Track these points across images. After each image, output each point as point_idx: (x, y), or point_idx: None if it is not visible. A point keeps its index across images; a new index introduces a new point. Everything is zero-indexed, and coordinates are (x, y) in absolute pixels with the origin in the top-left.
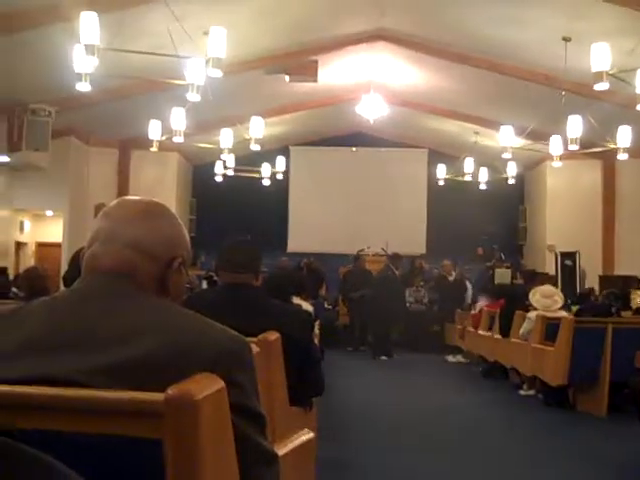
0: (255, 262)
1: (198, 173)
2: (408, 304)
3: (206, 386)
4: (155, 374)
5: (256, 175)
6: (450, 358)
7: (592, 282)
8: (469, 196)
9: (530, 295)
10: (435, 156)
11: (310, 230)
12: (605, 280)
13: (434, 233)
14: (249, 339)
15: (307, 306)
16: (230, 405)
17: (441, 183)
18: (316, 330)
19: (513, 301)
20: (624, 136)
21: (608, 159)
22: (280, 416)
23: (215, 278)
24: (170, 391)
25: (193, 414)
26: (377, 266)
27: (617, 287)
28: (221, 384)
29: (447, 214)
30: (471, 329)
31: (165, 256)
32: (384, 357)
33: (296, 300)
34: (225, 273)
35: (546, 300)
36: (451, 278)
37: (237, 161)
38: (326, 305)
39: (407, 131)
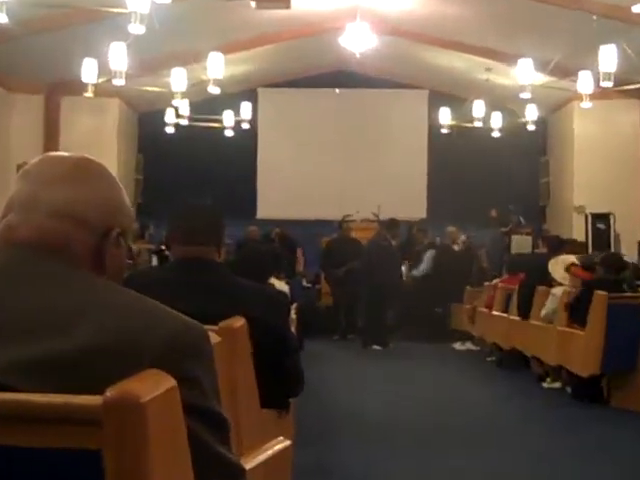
0: (216, 232)
1: (145, 123)
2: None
3: (153, 385)
4: (90, 372)
5: (216, 125)
6: (458, 346)
7: (630, 249)
8: (479, 147)
9: (550, 266)
10: (437, 98)
11: (284, 192)
12: None
13: (437, 193)
14: (208, 327)
15: (281, 285)
16: (184, 407)
17: (445, 131)
18: (293, 315)
19: (534, 275)
20: None
21: None
22: (249, 421)
23: (167, 253)
24: (109, 393)
25: (138, 420)
26: (367, 235)
27: None
28: (172, 382)
29: (453, 169)
30: (483, 310)
31: (100, 225)
32: (377, 347)
33: (271, 280)
34: (178, 246)
35: None
36: (457, 248)
37: (193, 108)
38: (304, 283)
39: (402, 68)
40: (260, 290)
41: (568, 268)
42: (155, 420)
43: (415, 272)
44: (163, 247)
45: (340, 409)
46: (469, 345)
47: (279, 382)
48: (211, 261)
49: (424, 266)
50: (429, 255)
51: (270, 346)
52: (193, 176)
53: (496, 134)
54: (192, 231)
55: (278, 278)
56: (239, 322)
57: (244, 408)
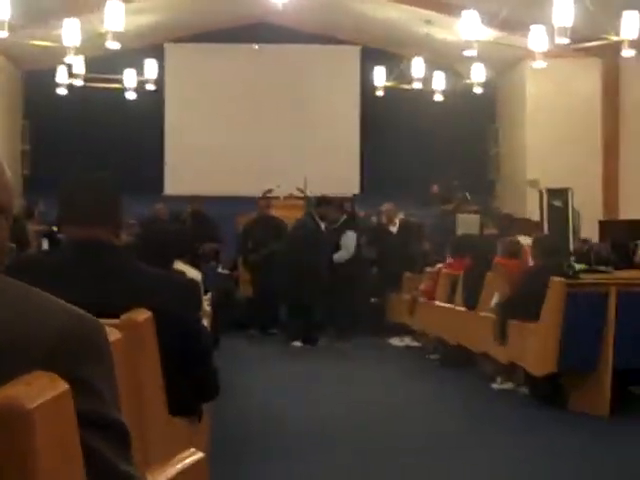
0: (114, 210)
1: (32, 83)
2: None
3: (41, 389)
4: None
5: (116, 86)
6: (395, 341)
7: (590, 231)
8: (419, 112)
9: (499, 250)
10: (371, 56)
11: (195, 164)
12: (607, 227)
13: (371, 166)
14: (107, 321)
15: (192, 273)
16: (78, 415)
17: (380, 93)
18: (206, 307)
19: (482, 259)
20: (630, 25)
21: (610, 57)
22: (155, 430)
23: (59, 235)
24: None
25: (23, 429)
26: (292, 214)
27: (621, 236)
28: (63, 386)
29: (389, 138)
30: (424, 300)
31: None
32: (303, 343)
33: (177, 265)
34: (70, 227)
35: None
36: (394, 228)
37: (88, 66)
38: (220, 270)
39: (331, 21)
40: (167, 278)
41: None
42: (43, 430)
43: (336, 257)
44: (55, 228)
45: (261, 415)
46: (408, 341)
47: (190, 385)
48: (108, 244)
49: (344, 252)
50: (350, 236)
51: (179, 344)
52: (89, 145)
53: (438, 97)
54: (85, 209)
55: (189, 264)
56: (143, 315)
57: (150, 415)
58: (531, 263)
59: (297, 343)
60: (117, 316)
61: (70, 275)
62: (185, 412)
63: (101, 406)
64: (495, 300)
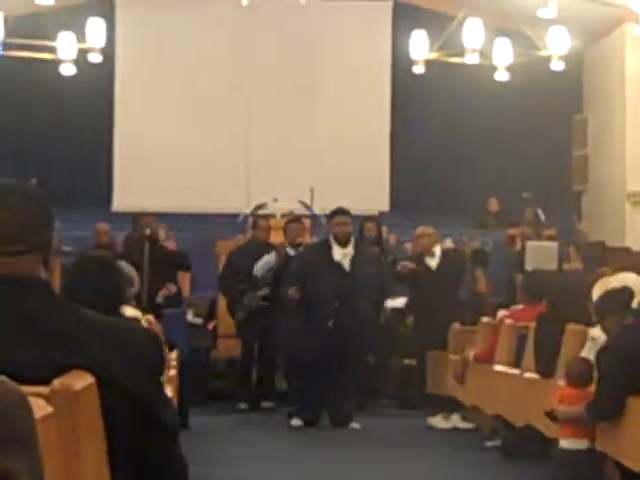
0: (38, 231)
1: None
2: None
3: None
4: None
5: (48, 55)
6: (438, 422)
7: None
8: (475, 96)
9: (595, 293)
10: (407, 15)
11: (157, 169)
12: None
13: (405, 173)
14: (30, 389)
15: (148, 321)
16: None
17: (418, 69)
18: (170, 370)
19: (563, 306)
20: None
21: None
22: None
23: None
24: None
25: None
26: (295, 238)
27: None
28: None
29: (430, 132)
30: (479, 363)
31: None
32: (302, 423)
33: (127, 311)
34: None
35: None
36: (433, 262)
37: (10, 29)
38: (191, 318)
39: None
40: (114, 327)
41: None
42: None
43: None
44: None
45: None
46: (456, 421)
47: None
48: (32, 279)
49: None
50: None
51: (131, 423)
52: (7, 140)
53: (501, 76)
54: (1, 232)
55: (141, 310)
56: (82, 380)
57: None
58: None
59: (297, 422)
60: (45, 382)
61: None
62: None
63: None
64: None
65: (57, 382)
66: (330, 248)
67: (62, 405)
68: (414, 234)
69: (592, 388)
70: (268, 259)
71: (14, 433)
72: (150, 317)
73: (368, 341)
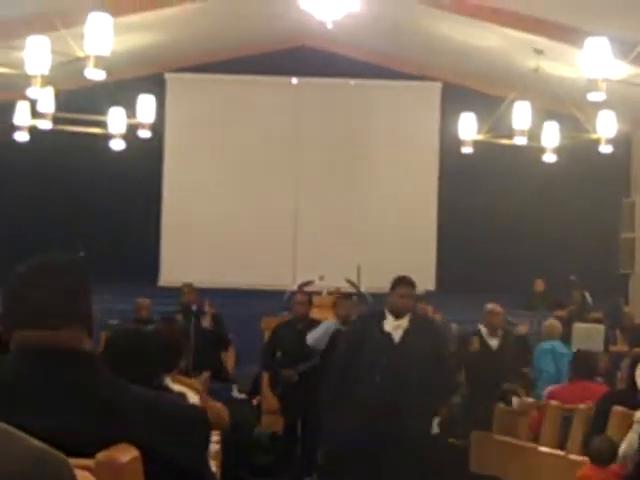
0: (81, 302)
1: None
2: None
3: None
4: None
5: (97, 130)
6: None
7: None
8: (522, 177)
9: (638, 374)
10: (456, 97)
11: (204, 244)
12: None
13: (451, 252)
14: (76, 461)
15: (194, 398)
16: None
17: (467, 150)
18: (213, 446)
19: (609, 389)
20: None
21: None
22: None
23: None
24: None
25: None
26: (346, 314)
27: None
28: None
29: (478, 213)
30: (524, 443)
31: None
32: None
33: (173, 385)
34: (21, 330)
35: None
36: (494, 342)
37: (60, 103)
38: (235, 394)
39: (400, 46)
40: (160, 402)
41: None
42: None
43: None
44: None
45: None
46: None
47: None
48: (77, 352)
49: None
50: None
51: None
52: (54, 213)
53: (549, 158)
54: (41, 305)
55: (188, 385)
56: (128, 453)
57: None
58: None
59: None
60: (90, 454)
61: (23, 396)
62: None
63: None
64: (623, 448)
65: (102, 455)
66: (382, 319)
67: (107, 478)
68: (485, 311)
69: (614, 467)
70: (326, 328)
71: None
72: (198, 388)
73: (422, 426)
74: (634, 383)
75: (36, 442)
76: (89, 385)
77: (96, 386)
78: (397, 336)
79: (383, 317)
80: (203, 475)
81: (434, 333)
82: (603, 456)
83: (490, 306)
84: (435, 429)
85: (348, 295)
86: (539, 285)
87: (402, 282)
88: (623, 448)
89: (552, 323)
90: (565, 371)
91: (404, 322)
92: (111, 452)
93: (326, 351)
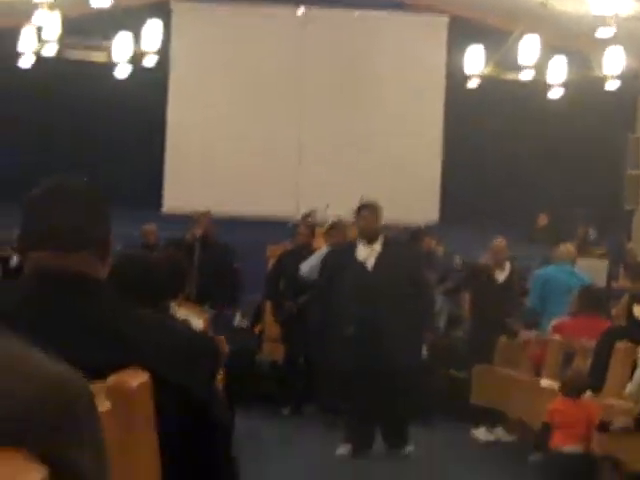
0: (98, 226)
1: None
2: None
3: (10, 475)
4: None
5: (100, 58)
6: (481, 434)
7: None
8: (528, 112)
9: (637, 310)
10: (463, 30)
11: (208, 172)
12: None
13: (456, 184)
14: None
15: (197, 323)
16: None
17: (473, 84)
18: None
19: (611, 325)
20: None
21: None
22: None
23: (14, 261)
24: None
25: None
26: (335, 244)
27: None
28: (41, 473)
29: (482, 147)
30: (524, 377)
31: None
32: (349, 449)
33: (178, 311)
34: (36, 253)
35: None
36: (501, 275)
37: (65, 30)
38: (237, 321)
39: None
40: (172, 329)
41: None
42: None
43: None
44: (9, 252)
45: None
46: (500, 433)
47: None
48: (91, 278)
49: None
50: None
51: (185, 424)
52: (60, 140)
53: (556, 93)
54: (59, 227)
55: (192, 310)
56: (139, 378)
57: None
58: None
59: (343, 450)
60: (101, 378)
61: (36, 320)
62: None
63: None
64: (630, 386)
65: (113, 379)
66: (355, 248)
67: (118, 402)
68: (490, 246)
69: (585, 399)
70: (317, 257)
71: (80, 426)
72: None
73: (406, 353)
74: (636, 319)
75: (55, 364)
76: (101, 311)
77: (106, 313)
78: (370, 264)
79: (356, 246)
80: (211, 403)
81: (407, 257)
82: (574, 388)
83: (497, 241)
84: (424, 355)
85: (338, 224)
86: (542, 219)
87: (362, 206)
88: (630, 387)
89: (567, 246)
90: (562, 299)
91: (377, 247)
92: (121, 376)
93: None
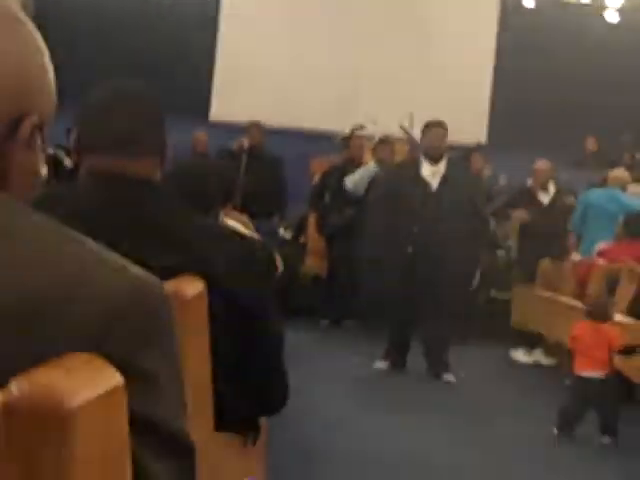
0: (157, 132)
1: None
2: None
3: (85, 381)
4: None
5: None
6: (520, 355)
7: None
8: (582, 35)
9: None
10: None
11: (256, 83)
12: None
13: (506, 107)
14: None
15: (245, 232)
16: (133, 421)
17: (528, 5)
18: None
19: None
20: None
21: None
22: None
23: (66, 163)
24: (15, 388)
25: (60, 436)
26: (383, 159)
27: None
28: (116, 378)
29: (534, 70)
30: (566, 299)
31: (4, 110)
32: (387, 365)
33: (228, 221)
34: (95, 155)
35: None
36: (545, 198)
37: None
38: (282, 233)
39: None
40: (228, 236)
41: None
42: (86, 438)
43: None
44: (61, 151)
45: (329, 443)
46: (538, 355)
47: (248, 391)
48: (148, 182)
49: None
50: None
51: (240, 331)
52: (117, 44)
53: (611, 16)
54: (122, 131)
55: (240, 220)
56: (194, 287)
57: (191, 428)
58: None
59: (381, 364)
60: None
61: (102, 223)
62: (238, 427)
63: (164, 410)
64: None
65: (168, 286)
66: (419, 165)
67: (175, 308)
68: (528, 168)
69: (607, 325)
70: (364, 172)
71: (162, 333)
72: (251, 226)
73: (461, 276)
74: None
75: (137, 269)
76: (162, 216)
77: (168, 218)
78: (435, 183)
79: (420, 163)
80: (266, 312)
81: (470, 182)
82: (595, 313)
83: (539, 162)
84: (476, 282)
85: (387, 139)
86: (591, 143)
87: (431, 124)
88: None
89: (619, 171)
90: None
91: (441, 167)
92: (177, 284)
93: (365, 196)
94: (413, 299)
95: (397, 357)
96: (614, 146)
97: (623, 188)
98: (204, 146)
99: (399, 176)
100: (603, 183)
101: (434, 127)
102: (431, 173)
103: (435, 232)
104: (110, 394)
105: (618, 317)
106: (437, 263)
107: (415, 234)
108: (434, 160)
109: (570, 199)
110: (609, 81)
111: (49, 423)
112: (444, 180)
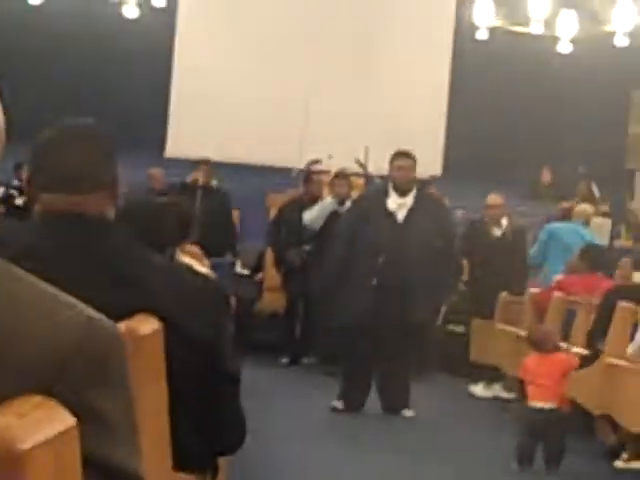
0: (107, 167)
1: None
2: None
3: (37, 423)
4: None
5: None
6: (479, 390)
7: None
8: (536, 66)
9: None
10: None
11: (212, 118)
12: None
13: (460, 138)
14: None
15: (200, 268)
16: (86, 462)
17: (481, 36)
18: None
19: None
20: None
21: None
22: None
23: (18, 201)
24: None
25: (12, 475)
26: (340, 193)
27: None
28: (68, 420)
29: (489, 100)
30: (525, 332)
31: None
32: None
33: (183, 258)
34: (47, 194)
35: None
36: (498, 231)
37: None
38: (238, 269)
39: None
40: (182, 275)
41: None
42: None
43: None
44: (13, 191)
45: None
46: (498, 390)
47: (206, 430)
48: (101, 219)
49: None
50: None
51: (194, 371)
52: (67, 81)
53: (564, 47)
54: (72, 168)
55: (195, 258)
56: (150, 324)
57: (148, 469)
58: None
59: (337, 404)
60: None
61: (52, 262)
62: (196, 466)
63: (117, 450)
64: (633, 345)
65: (123, 325)
66: (386, 197)
67: (127, 349)
68: (485, 202)
69: (560, 355)
70: (322, 207)
71: (114, 372)
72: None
73: (427, 311)
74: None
75: (87, 311)
76: (112, 254)
77: (121, 256)
78: (401, 215)
79: (387, 195)
80: (222, 349)
81: (440, 214)
82: (542, 344)
83: (491, 198)
84: (439, 320)
85: (344, 174)
86: (545, 175)
87: (399, 154)
88: (632, 348)
89: (583, 206)
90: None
91: (409, 200)
92: (132, 322)
93: (322, 232)
94: (376, 333)
95: (356, 396)
96: (569, 177)
97: (587, 222)
98: (160, 182)
99: (366, 207)
100: (564, 215)
101: (401, 158)
102: (397, 205)
103: (401, 264)
104: (62, 435)
105: (575, 350)
106: (402, 296)
107: (380, 265)
108: (402, 192)
109: (522, 233)
110: (564, 112)
111: (2, 465)
112: (411, 212)
